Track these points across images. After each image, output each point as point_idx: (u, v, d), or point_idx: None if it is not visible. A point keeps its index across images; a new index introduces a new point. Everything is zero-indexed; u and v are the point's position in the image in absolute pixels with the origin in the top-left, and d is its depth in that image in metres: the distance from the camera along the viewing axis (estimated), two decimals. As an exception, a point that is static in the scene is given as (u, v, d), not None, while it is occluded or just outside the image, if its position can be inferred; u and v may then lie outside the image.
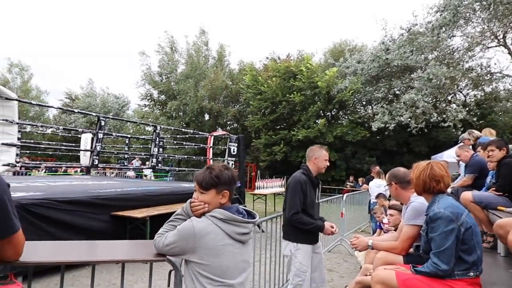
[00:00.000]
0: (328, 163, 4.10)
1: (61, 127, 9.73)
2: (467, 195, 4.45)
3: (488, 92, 21.83)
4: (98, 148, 7.57)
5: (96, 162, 7.59)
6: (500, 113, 21.89)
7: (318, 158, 4.03)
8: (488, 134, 6.70)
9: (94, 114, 8.28)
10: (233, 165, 10.85)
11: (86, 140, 11.43)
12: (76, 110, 8.09)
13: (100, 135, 7.62)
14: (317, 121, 23.07)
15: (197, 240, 2.18)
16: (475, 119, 18.98)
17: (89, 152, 7.80)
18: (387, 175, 3.83)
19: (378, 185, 8.47)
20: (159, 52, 32.74)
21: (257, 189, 13.08)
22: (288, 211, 3.87)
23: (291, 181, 3.95)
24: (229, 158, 11.08)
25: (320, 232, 3.99)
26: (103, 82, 70.03)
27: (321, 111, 23.56)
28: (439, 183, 3.00)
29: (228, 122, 30.74)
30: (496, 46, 19.26)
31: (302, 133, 21.86)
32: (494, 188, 4.47)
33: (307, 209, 3.90)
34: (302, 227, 3.84)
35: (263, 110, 25.28)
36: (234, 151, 11.20)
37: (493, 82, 20.60)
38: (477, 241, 2.84)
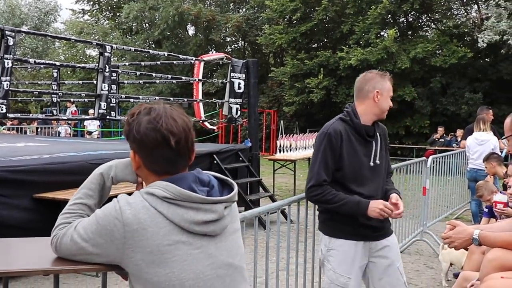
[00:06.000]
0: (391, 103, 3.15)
1: None
2: None
3: None
4: (6, 85, 6.38)
5: (4, 110, 6.40)
6: None
7: (381, 92, 2.99)
8: None
9: (-4, 26, 7.68)
10: (240, 111, 9.03)
11: (-18, 72, 9.97)
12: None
13: (8, 63, 6.32)
14: (382, 33, 19.85)
15: (127, 236, 1.45)
16: None
17: (-11, 94, 7.39)
18: (505, 122, 2.98)
19: (481, 141, 7.46)
20: None
21: (280, 151, 11.03)
22: (306, 184, 3.19)
23: (317, 136, 3.29)
24: (232, 100, 9.21)
25: (362, 215, 3.01)
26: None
27: (389, 16, 20.09)
28: None
29: (229, 39, 26.81)
30: None
31: (356, 54, 18.11)
32: None
33: (346, 180, 3.01)
34: (325, 206, 3.06)
35: (288, 16, 21.38)
36: (240, 88, 9.22)
37: None
38: None
